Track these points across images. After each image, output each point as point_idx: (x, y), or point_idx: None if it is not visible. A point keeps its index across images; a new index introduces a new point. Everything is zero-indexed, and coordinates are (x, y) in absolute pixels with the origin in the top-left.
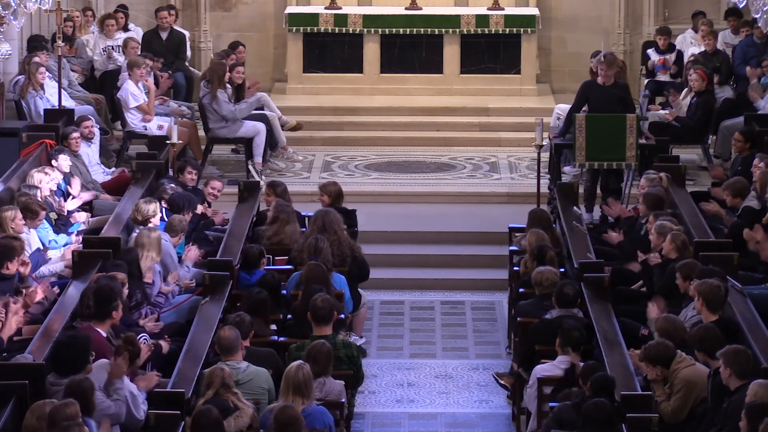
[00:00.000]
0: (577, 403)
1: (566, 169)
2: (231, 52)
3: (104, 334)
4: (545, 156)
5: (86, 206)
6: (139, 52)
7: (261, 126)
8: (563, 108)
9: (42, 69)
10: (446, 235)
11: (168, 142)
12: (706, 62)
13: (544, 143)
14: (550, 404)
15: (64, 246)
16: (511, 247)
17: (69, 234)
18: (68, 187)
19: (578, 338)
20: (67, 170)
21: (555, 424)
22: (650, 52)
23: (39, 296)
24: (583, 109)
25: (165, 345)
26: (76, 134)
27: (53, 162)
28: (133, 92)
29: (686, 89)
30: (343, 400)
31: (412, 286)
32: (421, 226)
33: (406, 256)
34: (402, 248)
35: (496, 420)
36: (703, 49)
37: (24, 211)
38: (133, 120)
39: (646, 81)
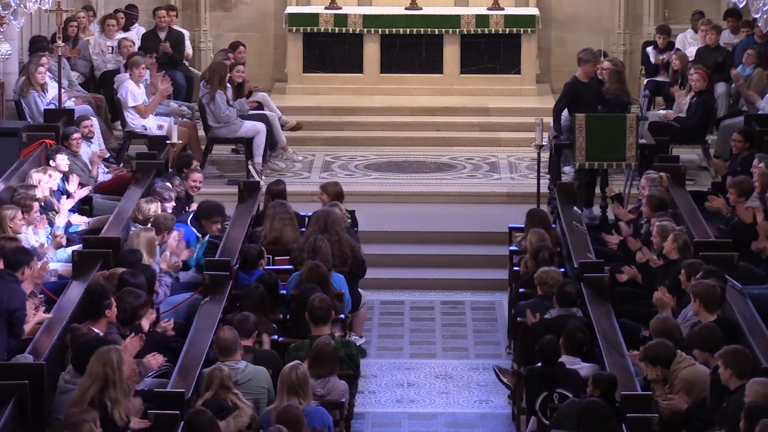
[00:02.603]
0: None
1: (566, 169)
2: (231, 52)
3: (101, 335)
4: (545, 156)
5: (86, 206)
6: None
7: (261, 126)
8: None
9: (42, 69)
10: (446, 235)
11: (168, 142)
12: (708, 57)
13: (544, 143)
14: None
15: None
16: (511, 247)
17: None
18: (66, 184)
19: (582, 339)
20: (66, 169)
21: (556, 424)
22: (650, 50)
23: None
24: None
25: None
26: (77, 134)
27: (51, 162)
28: (133, 91)
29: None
30: (344, 400)
31: (412, 286)
32: (421, 226)
33: (406, 256)
34: (402, 248)
35: (496, 420)
36: (703, 46)
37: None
38: (133, 120)
39: (646, 81)
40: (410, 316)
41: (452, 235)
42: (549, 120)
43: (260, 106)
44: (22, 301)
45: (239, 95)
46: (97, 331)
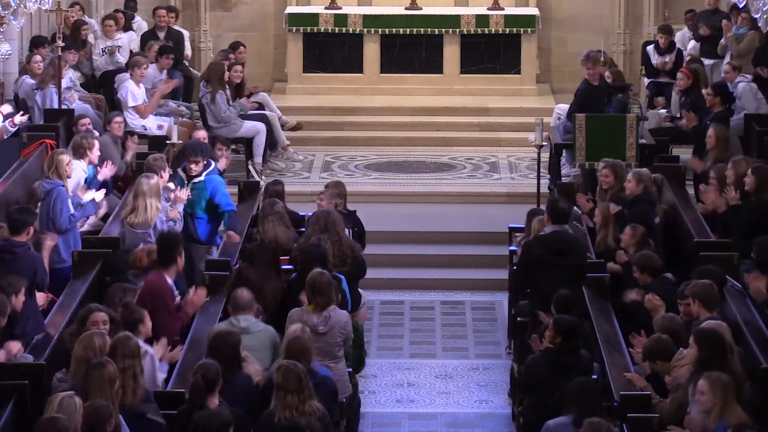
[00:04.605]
0: (547, 355)
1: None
2: (231, 52)
3: (170, 281)
4: (545, 156)
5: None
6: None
7: (261, 126)
8: (563, 108)
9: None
10: (446, 235)
11: (168, 142)
12: (708, 19)
13: (544, 143)
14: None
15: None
16: (511, 247)
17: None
18: (98, 168)
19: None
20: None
21: (528, 379)
22: (650, 49)
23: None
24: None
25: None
26: (119, 118)
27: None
28: (133, 92)
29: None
30: (343, 399)
31: (412, 286)
32: (421, 226)
33: (406, 256)
34: (402, 248)
35: (496, 420)
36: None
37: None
38: (133, 120)
39: (647, 82)
40: (410, 316)
41: (452, 235)
42: (549, 120)
43: (260, 106)
44: (43, 267)
45: (238, 95)
46: (167, 278)
